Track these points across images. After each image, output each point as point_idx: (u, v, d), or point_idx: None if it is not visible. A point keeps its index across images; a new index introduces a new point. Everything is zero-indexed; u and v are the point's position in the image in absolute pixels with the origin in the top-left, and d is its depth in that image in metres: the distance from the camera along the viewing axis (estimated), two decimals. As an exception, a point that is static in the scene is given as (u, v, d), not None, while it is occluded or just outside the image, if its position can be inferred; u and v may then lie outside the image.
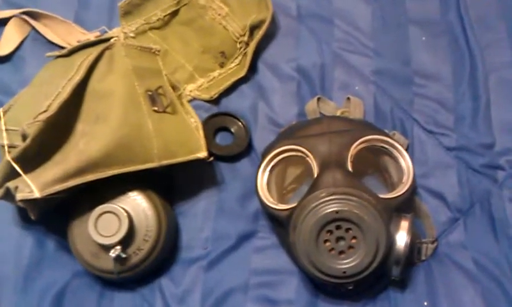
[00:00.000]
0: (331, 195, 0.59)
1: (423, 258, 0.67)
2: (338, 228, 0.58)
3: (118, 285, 0.66)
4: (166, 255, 0.67)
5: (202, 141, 0.66)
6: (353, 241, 0.59)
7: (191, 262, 0.68)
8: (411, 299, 0.65)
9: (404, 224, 0.61)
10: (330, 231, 0.58)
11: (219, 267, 0.68)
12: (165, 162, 0.62)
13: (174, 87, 0.71)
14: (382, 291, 0.66)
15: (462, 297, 0.65)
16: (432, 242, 0.68)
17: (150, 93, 0.64)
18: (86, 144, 0.59)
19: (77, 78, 0.60)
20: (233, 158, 0.73)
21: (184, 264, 0.68)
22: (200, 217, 0.70)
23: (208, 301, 0.66)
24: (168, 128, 0.64)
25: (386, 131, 0.70)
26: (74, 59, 0.65)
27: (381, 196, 0.62)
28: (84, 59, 0.63)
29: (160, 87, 0.66)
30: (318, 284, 0.66)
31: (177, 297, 0.66)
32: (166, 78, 0.68)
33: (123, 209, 0.61)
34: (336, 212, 0.58)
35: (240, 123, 0.74)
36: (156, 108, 0.64)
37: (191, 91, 0.75)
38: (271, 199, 0.65)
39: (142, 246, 0.62)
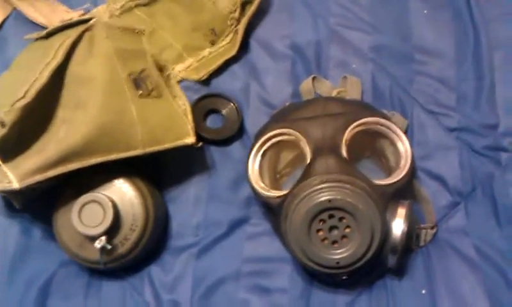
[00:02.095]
0: (323, 182, 0.56)
1: (422, 244, 0.65)
2: (331, 217, 0.56)
3: (105, 274, 0.65)
4: (154, 243, 0.65)
5: (190, 126, 0.63)
6: (347, 230, 0.56)
7: (181, 250, 0.66)
8: (409, 286, 0.63)
9: (401, 212, 0.58)
10: (323, 220, 0.56)
11: (210, 254, 0.66)
12: (150, 149, 0.59)
13: (161, 68, 0.68)
14: (378, 279, 0.64)
15: (462, 285, 0.63)
16: (432, 228, 0.65)
17: (133, 76, 0.61)
18: (67, 132, 0.56)
19: (55, 62, 0.57)
20: (224, 142, 0.70)
21: (174, 252, 0.66)
22: (191, 203, 0.68)
23: (199, 289, 0.64)
24: (153, 113, 0.61)
25: (385, 112, 0.67)
26: (53, 42, 0.62)
27: (377, 182, 0.59)
28: (62, 42, 0.59)
29: (144, 70, 0.63)
30: (312, 272, 0.64)
31: (167, 286, 0.65)
32: (151, 60, 0.65)
33: (108, 198, 0.59)
34: (329, 200, 0.55)
35: (231, 105, 0.71)
36: (140, 92, 0.61)
37: (179, 72, 0.72)
38: (263, 185, 0.62)
39: (129, 236, 0.60)
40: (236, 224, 0.67)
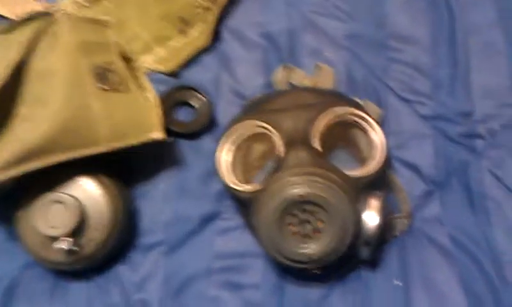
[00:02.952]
0: (295, 176, 0.55)
1: (396, 234, 0.64)
2: (303, 211, 0.54)
3: (72, 275, 0.63)
4: (123, 242, 0.63)
5: (157, 120, 0.61)
6: (319, 224, 0.55)
7: (150, 247, 0.64)
8: (383, 277, 0.62)
9: (375, 204, 0.57)
10: (294, 215, 0.54)
11: (180, 251, 0.64)
12: (115, 145, 0.57)
13: (128, 60, 0.65)
14: (352, 272, 0.63)
15: (436, 275, 0.62)
16: (407, 218, 0.64)
17: (97, 70, 0.59)
18: (27, 130, 0.54)
19: (14, 57, 0.55)
20: (195, 135, 0.68)
21: (143, 249, 0.64)
22: (160, 199, 0.66)
23: (170, 288, 0.63)
24: (117, 108, 0.59)
25: (359, 100, 0.66)
26: (14, 37, 0.59)
27: (350, 174, 0.57)
28: (23, 36, 0.57)
29: (109, 63, 0.60)
30: (285, 267, 0.63)
31: (136, 285, 0.63)
32: (116, 52, 0.62)
33: (73, 197, 0.56)
34: (301, 194, 0.54)
35: (202, 97, 0.69)
36: (104, 86, 0.59)
37: (148, 64, 0.69)
38: (233, 179, 0.61)
39: (95, 236, 0.58)
40: (207, 220, 0.65)
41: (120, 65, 0.62)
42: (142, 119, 0.61)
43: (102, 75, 0.59)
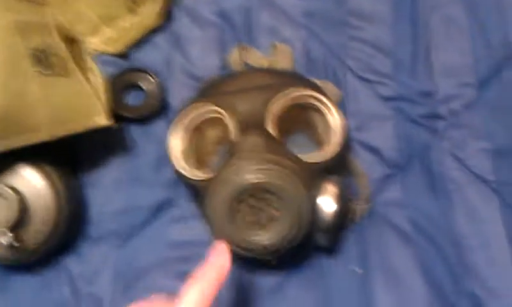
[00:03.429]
0: (247, 163, 0.52)
1: (356, 219, 0.62)
2: (256, 199, 0.52)
3: (18, 268, 0.60)
4: (71, 233, 0.60)
5: (103, 105, 0.57)
6: (274, 213, 0.52)
7: (100, 238, 0.62)
8: (341, 264, 0.60)
9: (332, 189, 0.55)
10: (247, 203, 0.52)
11: (132, 241, 0.62)
12: (57, 132, 0.54)
13: (74, 41, 0.61)
14: (310, 259, 0.61)
15: (396, 260, 0.60)
16: (367, 202, 0.62)
17: (36, 53, 0.55)
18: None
19: None
20: (146, 120, 0.65)
21: (93, 241, 0.62)
22: (110, 187, 0.63)
23: (121, 280, 0.60)
24: (59, 93, 0.55)
25: (318, 82, 0.64)
26: None
27: (307, 159, 0.55)
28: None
29: (49, 44, 0.56)
30: (240, 256, 0.61)
31: (86, 278, 0.61)
32: (57, 34, 0.58)
33: (14, 190, 0.54)
34: (254, 182, 0.51)
35: (153, 79, 0.65)
36: (44, 70, 0.55)
37: (95, 45, 0.66)
38: (185, 166, 0.58)
39: (40, 229, 0.56)
40: (160, 208, 0.63)
41: (61, 47, 0.58)
42: (86, 105, 0.57)
43: (41, 57, 0.55)
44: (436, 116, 0.66)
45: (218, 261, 0.47)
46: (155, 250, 0.61)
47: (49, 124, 0.54)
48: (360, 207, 0.62)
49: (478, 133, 0.64)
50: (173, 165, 0.58)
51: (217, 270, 0.46)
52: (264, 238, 0.53)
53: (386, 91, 0.66)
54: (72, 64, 0.59)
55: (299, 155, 0.55)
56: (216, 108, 0.57)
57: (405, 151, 0.65)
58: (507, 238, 0.60)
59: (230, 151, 0.55)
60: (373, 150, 0.65)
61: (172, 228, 0.62)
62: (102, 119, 0.57)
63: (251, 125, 0.55)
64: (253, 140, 0.54)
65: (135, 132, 0.65)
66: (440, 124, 0.65)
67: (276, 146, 0.55)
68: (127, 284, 0.60)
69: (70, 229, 0.60)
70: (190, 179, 0.57)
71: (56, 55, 0.57)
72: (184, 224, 0.63)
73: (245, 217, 0.53)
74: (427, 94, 0.66)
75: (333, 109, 0.58)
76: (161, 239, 0.62)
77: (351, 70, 0.67)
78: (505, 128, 0.64)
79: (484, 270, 0.59)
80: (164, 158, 0.63)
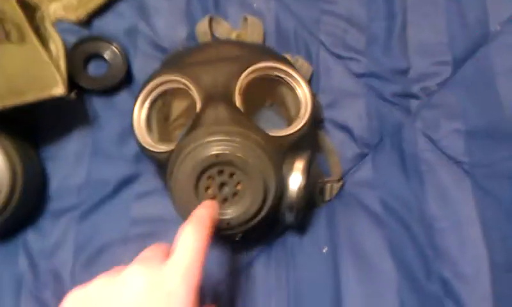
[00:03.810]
0: (211, 135, 0.50)
1: (327, 198, 0.60)
2: (219, 172, 0.50)
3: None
4: (29, 207, 0.58)
5: (60, 76, 0.54)
6: (238, 187, 0.50)
7: (61, 213, 0.60)
8: (310, 243, 0.59)
9: (299, 165, 0.53)
10: (211, 177, 0.50)
11: (94, 217, 0.60)
12: (9, 103, 0.51)
13: (32, 8, 0.59)
14: (278, 238, 0.59)
15: (366, 242, 0.59)
16: (338, 181, 0.61)
17: (-14, 17, 0.52)
18: None
19: None
20: (109, 91, 0.62)
21: (53, 215, 0.60)
22: (71, 160, 0.61)
23: (82, 256, 0.58)
24: (11, 60, 0.53)
25: (288, 57, 0.61)
26: None
27: (273, 133, 0.53)
28: None
29: (4, 10, 0.53)
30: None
31: (45, 252, 0.58)
32: (11, -2, 0.56)
33: (-37, 159, 0.51)
34: (217, 155, 0.49)
35: (116, 49, 0.63)
36: (-5, 37, 0.52)
37: (55, 11, 0.62)
38: (148, 139, 0.56)
39: (-7, 201, 0.53)
40: (123, 183, 0.61)
41: (15, 13, 0.55)
42: (42, 74, 0.54)
43: (-7, 23, 0.52)
44: (409, 95, 0.64)
45: (207, 204, 0.46)
46: (117, 226, 0.59)
47: (2, 94, 0.51)
48: (330, 186, 0.60)
49: (451, 113, 0.63)
50: (136, 138, 0.56)
51: (207, 209, 0.45)
52: (228, 213, 0.51)
53: (358, 68, 0.64)
54: (29, 32, 0.56)
55: (266, 130, 0.53)
56: (181, 79, 0.55)
57: (377, 131, 0.63)
58: (479, 221, 0.59)
59: (194, 123, 0.52)
60: (344, 128, 0.63)
61: (135, 204, 0.60)
62: (58, 89, 0.54)
63: (217, 97, 0.53)
64: (218, 112, 0.51)
65: (97, 103, 0.63)
66: (413, 103, 0.64)
67: (242, 119, 0.52)
68: (87, 259, 0.58)
69: (28, 202, 0.58)
70: (153, 152, 0.55)
71: (9, 20, 0.54)
72: (147, 201, 0.61)
73: (208, 192, 0.50)
74: (401, 72, 0.64)
75: (302, 83, 0.56)
76: (124, 215, 0.60)
77: (323, 44, 0.65)
78: (479, 109, 0.63)
79: (455, 253, 0.58)
80: (127, 132, 0.61)
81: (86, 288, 0.40)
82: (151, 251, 0.43)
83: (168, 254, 0.42)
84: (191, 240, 0.41)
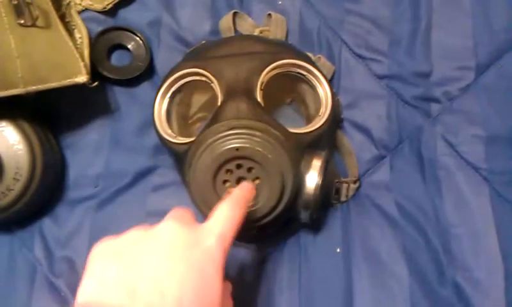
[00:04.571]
0: (232, 129, 0.50)
1: (343, 199, 0.60)
2: (238, 166, 0.50)
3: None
4: (46, 194, 0.59)
5: (83, 63, 0.55)
6: (256, 182, 0.50)
7: (78, 202, 0.60)
8: (323, 243, 0.59)
9: (316, 163, 0.53)
10: (230, 171, 0.50)
11: (110, 207, 0.60)
12: (33, 87, 0.52)
13: (59, -5, 0.59)
14: (292, 236, 0.59)
15: (380, 244, 0.58)
16: (354, 182, 0.60)
17: (14, 1, 0.52)
18: None
19: None
20: (131, 82, 0.63)
21: (70, 204, 0.60)
22: (91, 150, 0.61)
23: (97, 245, 0.58)
24: (37, 46, 0.53)
25: (310, 55, 0.61)
26: None
27: (293, 130, 0.53)
28: None
29: (32, -4, 0.54)
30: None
31: (61, 241, 0.59)
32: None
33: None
34: (237, 149, 0.49)
35: (139, 40, 0.63)
36: (22, 21, 0.52)
37: (81, 0, 0.63)
38: (169, 131, 0.56)
39: (12, 186, 0.54)
40: (141, 174, 0.61)
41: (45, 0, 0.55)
42: (66, 61, 0.55)
43: (20, 7, 0.52)
44: (431, 99, 0.63)
45: (244, 186, 0.47)
46: (133, 217, 0.59)
47: (27, 78, 0.52)
48: (347, 186, 0.60)
49: (472, 119, 0.62)
50: (156, 129, 0.56)
51: (244, 192, 0.46)
52: (245, 208, 0.51)
53: (380, 69, 0.64)
54: (55, 19, 0.56)
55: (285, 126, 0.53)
56: (204, 72, 0.55)
57: (396, 133, 0.62)
58: (495, 228, 0.58)
59: (214, 116, 0.53)
60: (363, 129, 0.63)
61: (152, 196, 0.60)
62: (81, 77, 0.54)
63: (239, 91, 0.53)
64: (239, 106, 0.52)
65: (119, 94, 0.63)
66: (434, 107, 0.63)
67: (263, 114, 0.52)
68: (101, 249, 0.58)
69: (46, 190, 0.58)
70: (173, 143, 0.55)
71: (37, 5, 0.54)
72: (164, 193, 0.61)
73: (226, 186, 0.51)
74: (423, 75, 0.64)
75: (324, 81, 0.56)
76: (139, 206, 0.60)
77: (346, 44, 0.65)
78: (500, 116, 0.62)
79: (469, 259, 0.57)
80: (148, 124, 0.61)
81: (118, 239, 0.40)
82: (181, 212, 0.43)
83: (194, 220, 0.42)
84: (227, 212, 0.42)
